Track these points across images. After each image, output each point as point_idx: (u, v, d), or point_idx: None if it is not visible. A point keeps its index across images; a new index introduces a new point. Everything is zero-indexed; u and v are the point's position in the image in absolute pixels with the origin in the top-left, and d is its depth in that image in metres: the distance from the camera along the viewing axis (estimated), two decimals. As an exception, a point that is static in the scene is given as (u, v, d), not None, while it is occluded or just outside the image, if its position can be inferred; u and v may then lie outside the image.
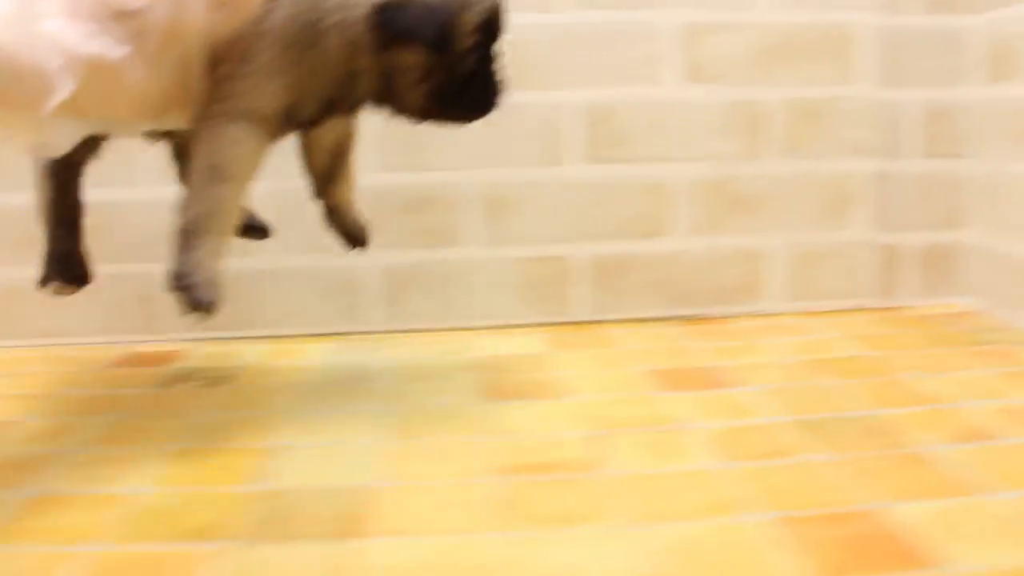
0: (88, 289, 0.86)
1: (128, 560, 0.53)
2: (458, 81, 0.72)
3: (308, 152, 0.85)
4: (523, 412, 0.79)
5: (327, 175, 0.86)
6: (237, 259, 1.06)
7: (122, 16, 0.62)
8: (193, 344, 1.07)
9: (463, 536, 0.55)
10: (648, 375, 0.89)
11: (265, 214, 0.96)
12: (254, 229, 0.91)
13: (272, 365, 1.00)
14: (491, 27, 0.73)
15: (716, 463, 0.65)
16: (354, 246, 0.89)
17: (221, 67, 0.68)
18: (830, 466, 0.63)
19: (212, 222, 0.68)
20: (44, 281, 0.83)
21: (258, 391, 0.91)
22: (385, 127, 0.95)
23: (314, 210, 0.90)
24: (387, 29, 0.69)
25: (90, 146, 0.78)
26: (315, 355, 1.03)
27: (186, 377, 0.95)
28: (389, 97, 0.74)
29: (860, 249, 1.16)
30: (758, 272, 1.15)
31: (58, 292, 0.83)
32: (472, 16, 0.71)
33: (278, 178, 1.05)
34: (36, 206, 0.82)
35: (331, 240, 0.96)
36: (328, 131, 0.82)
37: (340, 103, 0.75)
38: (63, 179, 0.80)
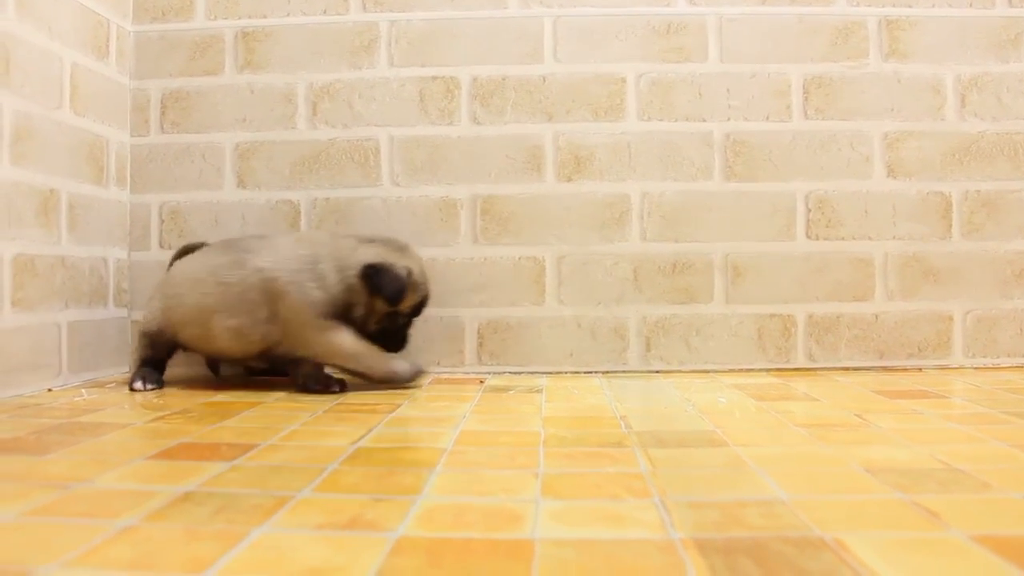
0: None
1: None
2: (391, 328, 1.20)
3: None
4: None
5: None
6: (525, 309, 1.35)
7: None
8: (491, 376, 1.34)
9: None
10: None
11: (552, 272, 1.26)
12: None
13: (562, 385, 1.25)
14: (418, 307, 1.22)
15: None
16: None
17: None
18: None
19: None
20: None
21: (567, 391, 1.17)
22: (649, 207, 1.24)
23: (589, 270, 1.19)
24: (368, 283, 1.15)
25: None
26: (593, 383, 1.29)
27: (506, 389, 1.20)
28: (365, 322, 1.19)
29: (1029, 315, 1.39)
30: (946, 332, 1.39)
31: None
32: (414, 297, 1.19)
33: (563, 243, 1.36)
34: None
35: (601, 295, 1.24)
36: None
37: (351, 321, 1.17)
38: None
